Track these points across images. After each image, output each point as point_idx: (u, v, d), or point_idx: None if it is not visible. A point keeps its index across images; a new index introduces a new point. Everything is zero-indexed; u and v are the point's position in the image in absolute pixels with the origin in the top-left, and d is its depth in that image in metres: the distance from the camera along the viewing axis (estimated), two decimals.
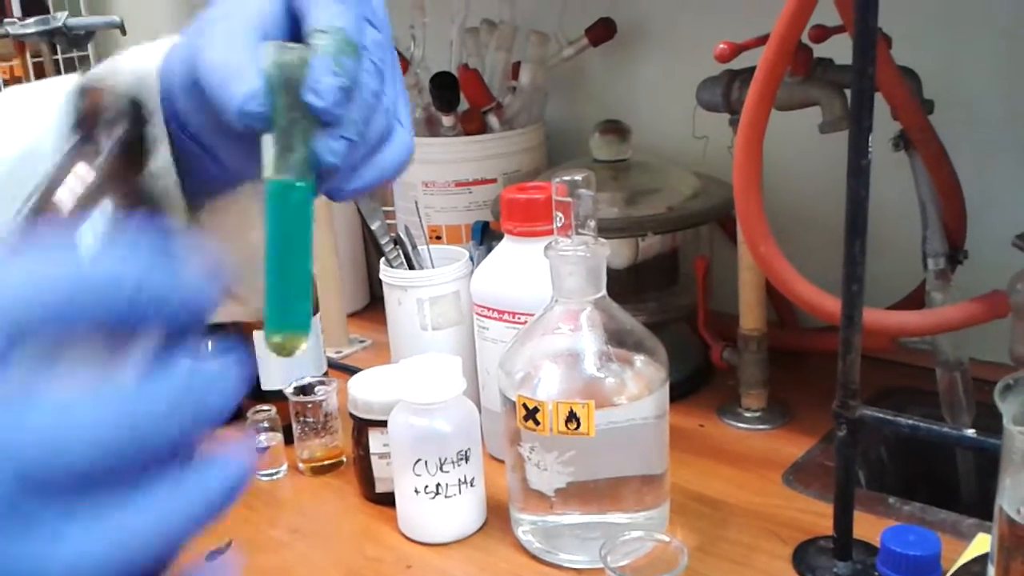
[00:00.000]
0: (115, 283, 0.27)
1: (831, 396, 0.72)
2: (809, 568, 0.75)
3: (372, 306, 1.40)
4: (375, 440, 0.87)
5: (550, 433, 0.74)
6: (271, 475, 0.95)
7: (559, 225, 0.75)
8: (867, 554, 0.76)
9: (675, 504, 0.82)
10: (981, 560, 0.53)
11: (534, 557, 0.80)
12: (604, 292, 0.77)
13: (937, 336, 0.91)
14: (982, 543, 0.61)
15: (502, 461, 0.87)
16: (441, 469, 0.80)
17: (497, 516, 0.85)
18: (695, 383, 1.07)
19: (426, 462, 0.80)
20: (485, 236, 1.20)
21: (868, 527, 0.76)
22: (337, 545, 0.85)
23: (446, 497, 0.81)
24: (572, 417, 0.73)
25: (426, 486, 0.81)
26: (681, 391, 1.03)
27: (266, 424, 0.94)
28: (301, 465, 0.96)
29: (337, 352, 1.24)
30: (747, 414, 0.99)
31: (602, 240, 0.75)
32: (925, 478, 0.91)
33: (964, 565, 0.54)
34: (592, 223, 0.75)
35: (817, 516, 0.81)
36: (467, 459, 0.81)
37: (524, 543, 0.81)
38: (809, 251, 0.96)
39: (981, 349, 0.93)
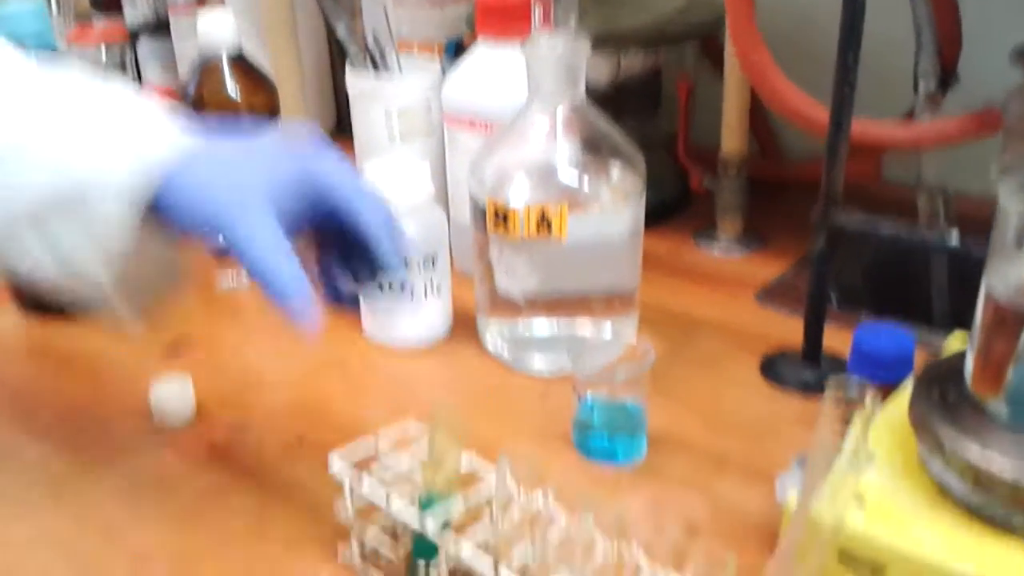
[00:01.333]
0: None
1: (808, 227, 0.69)
2: (776, 375, 0.74)
3: (339, 130, 1.35)
4: None
5: (521, 237, 0.71)
6: (233, 285, 0.92)
7: (538, 23, 0.71)
8: (836, 365, 0.75)
9: (644, 318, 0.81)
10: (958, 355, 0.51)
11: (501, 362, 0.78)
12: (582, 94, 0.73)
13: (922, 164, 0.88)
14: (957, 340, 0.60)
15: (471, 277, 0.85)
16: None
17: (464, 327, 0.83)
18: (672, 210, 1.04)
19: None
20: (459, 55, 1.14)
21: (838, 342, 0.75)
22: (298, 346, 0.83)
23: (412, 300, 0.79)
24: (543, 221, 0.70)
25: (390, 284, 0.78)
26: (657, 217, 0.99)
27: None
28: None
29: None
30: (723, 239, 0.97)
31: (584, 36, 0.71)
32: (899, 303, 0.90)
33: (942, 359, 0.53)
34: (572, 19, 0.70)
35: (787, 331, 0.80)
36: (434, 264, 0.78)
37: (492, 350, 0.79)
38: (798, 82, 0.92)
39: (964, 183, 0.91)
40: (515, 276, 0.73)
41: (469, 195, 0.76)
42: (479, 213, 0.73)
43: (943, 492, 0.48)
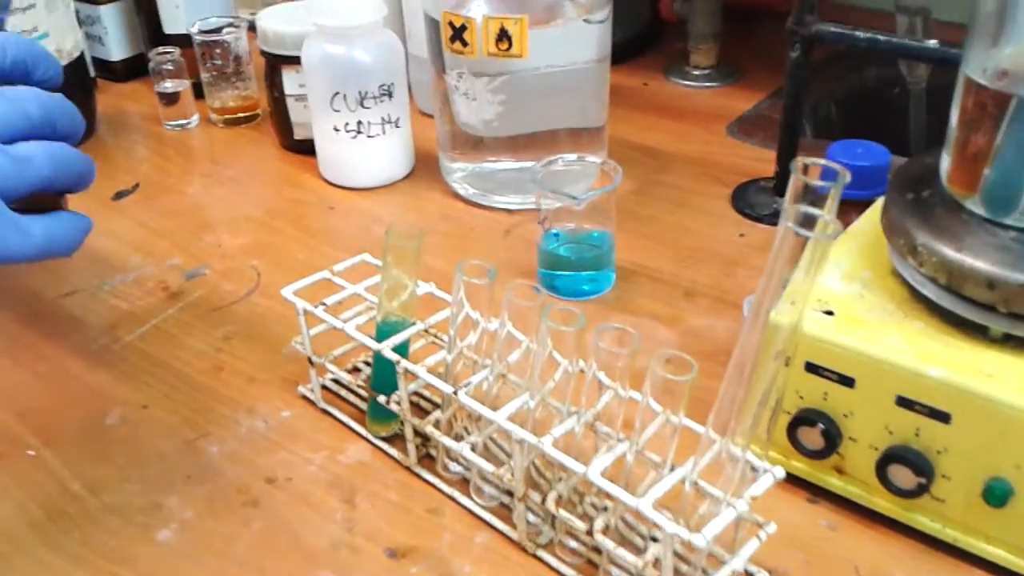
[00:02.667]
0: None
1: (783, 58, 0.66)
2: (748, 204, 0.72)
3: None
4: (289, 80, 0.79)
5: (479, 54, 0.67)
6: (181, 125, 0.88)
7: None
8: (808, 193, 0.72)
9: (613, 154, 0.77)
10: (932, 155, 0.49)
11: (465, 200, 0.75)
12: None
13: None
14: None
15: (431, 116, 0.81)
16: (362, 104, 0.74)
17: (426, 167, 0.80)
18: (642, 43, 0.99)
19: (344, 96, 0.73)
20: None
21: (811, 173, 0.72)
22: (255, 189, 0.79)
23: (368, 136, 0.75)
24: (503, 36, 0.65)
25: (346, 124, 0.74)
26: (627, 51, 0.95)
27: (170, 67, 0.86)
28: (213, 116, 0.89)
29: (252, 14, 1.13)
30: (695, 72, 0.93)
31: None
32: (874, 136, 0.87)
33: (915, 160, 0.50)
34: None
35: (759, 162, 0.77)
36: (390, 95, 0.74)
37: (455, 188, 0.76)
38: None
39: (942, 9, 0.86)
40: (476, 105, 0.69)
41: (423, 13, 0.71)
42: (434, 34, 0.69)
43: (915, 300, 0.46)
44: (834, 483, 0.47)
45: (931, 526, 0.44)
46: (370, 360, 0.56)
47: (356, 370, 0.57)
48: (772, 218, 0.70)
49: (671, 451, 0.40)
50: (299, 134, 0.82)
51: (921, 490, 0.43)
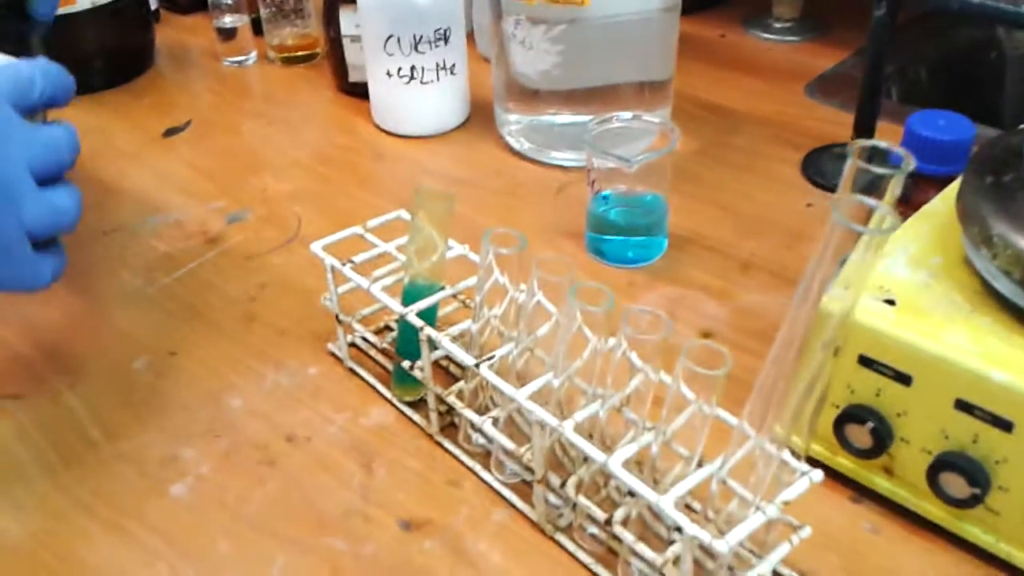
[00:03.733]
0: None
1: (870, 13, 0.60)
2: (819, 172, 0.67)
3: None
4: (346, 19, 0.77)
5: (536, 1, 0.63)
6: (239, 62, 0.87)
7: None
8: (866, 178, 0.67)
9: (680, 111, 0.73)
10: (1017, 134, 0.44)
11: (518, 154, 0.72)
12: None
13: None
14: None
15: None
16: (416, 49, 0.71)
17: (482, 115, 0.77)
18: None
19: (399, 39, 0.70)
20: None
21: (893, 138, 0.67)
22: (305, 132, 0.77)
23: (422, 83, 0.72)
24: None
25: (399, 68, 0.71)
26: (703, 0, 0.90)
27: (229, 1, 0.84)
28: (272, 54, 0.87)
29: None
30: (776, 24, 0.87)
31: None
32: (965, 104, 0.81)
33: (997, 139, 0.45)
34: None
35: (837, 126, 0.72)
36: (446, 40, 0.71)
37: (509, 142, 0.73)
38: None
39: None
40: (533, 54, 0.66)
41: None
42: None
43: (986, 294, 0.42)
44: (881, 484, 0.43)
45: (983, 539, 0.41)
46: (395, 322, 0.54)
47: (387, 329, 0.55)
48: None
49: (700, 444, 0.37)
50: (354, 77, 0.79)
51: (975, 501, 0.40)
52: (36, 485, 0.47)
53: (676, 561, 0.38)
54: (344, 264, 0.49)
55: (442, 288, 0.47)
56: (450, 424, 0.49)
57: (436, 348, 0.46)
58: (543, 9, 0.63)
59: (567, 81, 0.67)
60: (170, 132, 0.77)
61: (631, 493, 0.40)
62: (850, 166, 0.32)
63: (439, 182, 0.70)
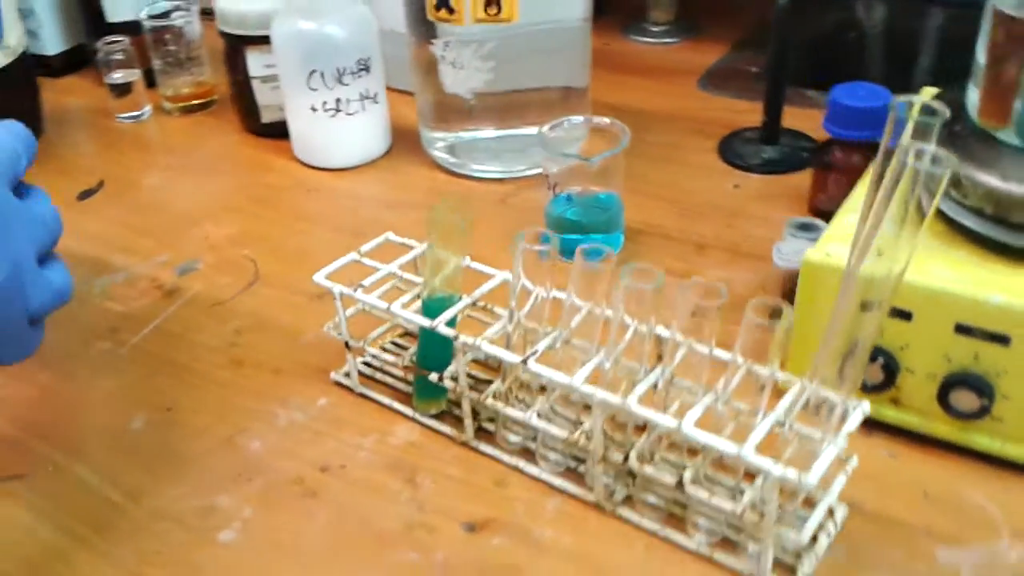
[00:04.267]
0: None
1: (744, 9, 0.66)
2: (737, 155, 0.73)
3: None
4: (255, 61, 0.76)
5: (467, 22, 0.65)
6: (134, 117, 0.84)
7: None
8: (793, 139, 0.74)
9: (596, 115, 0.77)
10: (951, 94, 0.50)
11: (449, 172, 0.74)
12: None
13: None
14: (927, 94, 0.59)
15: (403, 92, 0.80)
16: (340, 81, 0.71)
17: (403, 142, 0.78)
18: (598, 3, 0.99)
19: (322, 73, 0.71)
20: None
21: (790, 119, 0.73)
22: (227, 177, 0.76)
23: (347, 114, 0.73)
24: (492, 1, 0.64)
25: (324, 102, 0.72)
26: None
27: (120, 56, 0.82)
28: (167, 104, 0.85)
29: None
30: (654, 28, 0.93)
31: None
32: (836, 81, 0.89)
33: (937, 98, 0.51)
34: None
35: (737, 113, 0.78)
36: (368, 70, 0.73)
37: (437, 159, 0.74)
38: None
39: None
40: (465, 73, 0.68)
41: None
42: (415, 3, 0.67)
43: (953, 232, 0.47)
44: (889, 414, 0.48)
45: (991, 445, 0.46)
46: (401, 341, 0.55)
47: (395, 348, 0.56)
48: (762, 167, 0.71)
49: (764, 399, 0.40)
50: (267, 117, 0.79)
51: (983, 412, 0.45)
52: (77, 560, 0.45)
53: (752, 508, 0.41)
54: (355, 289, 0.50)
55: (460, 298, 0.49)
56: (478, 429, 0.50)
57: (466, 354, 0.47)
58: (474, 30, 0.66)
59: (497, 93, 0.70)
60: (84, 195, 0.74)
61: (691, 452, 0.43)
62: (893, 119, 0.36)
63: (380, 208, 0.71)
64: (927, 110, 0.36)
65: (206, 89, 0.86)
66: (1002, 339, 0.43)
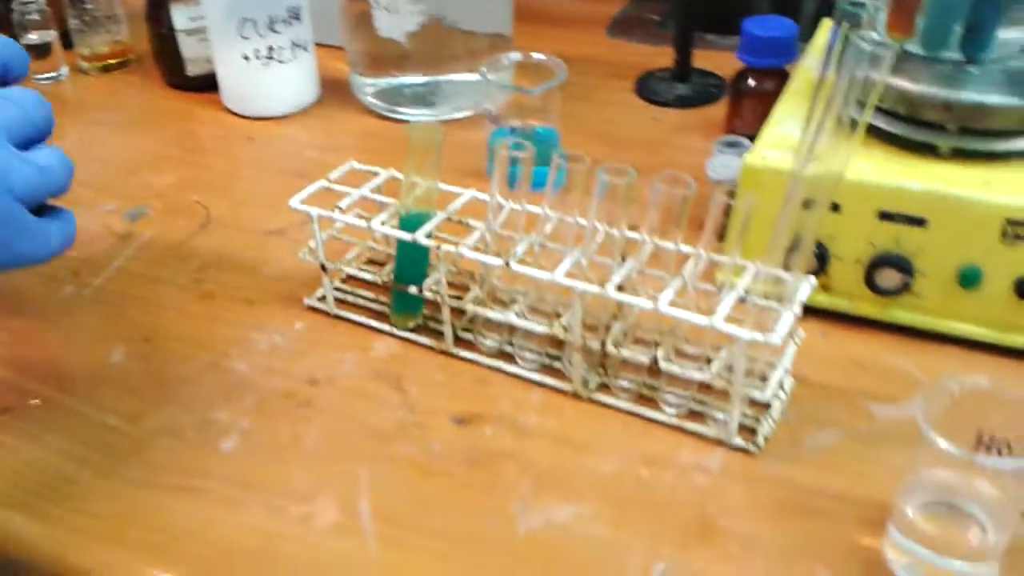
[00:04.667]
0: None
1: None
2: (653, 92, 0.78)
3: None
4: (179, 14, 0.77)
5: None
6: (52, 78, 0.83)
7: None
8: (702, 77, 0.80)
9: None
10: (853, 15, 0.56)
11: (378, 115, 0.77)
12: None
13: None
14: (826, 27, 0.65)
15: (327, 46, 0.82)
16: (272, 29, 0.73)
17: (332, 91, 0.80)
18: None
19: (254, 22, 0.72)
20: None
21: (694, 60, 0.79)
22: (160, 129, 0.77)
23: (280, 61, 0.75)
24: None
25: (256, 50, 0.74)
26: None
27: (36, 17, 0.81)
28: (84, 64, 0.85)
29: None
30: None
31: None
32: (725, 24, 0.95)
33: (841, 19, 0.57)
34: None
35: (645, 56, 0.84)
36: (298, 18, 0.74)
37: (369, 105, 0.77)
38: None
39: None
40: (398, 17, 0.71)
41: None
42: None
43: (867, 135, 0.53)
44: (821, 300, 0.54)
45: (911, 317, 0.53)
46: (368, 268, 0.58)
47: (372, 263, 0.58)
48: (677, 102, 0.77)
49: (726, 278, 0.45)
50: (192, 70, 0.80)
51: (905, 287, 0.51)
52: (82, 479, 0.46)
53: (719, 375, 0.46)
54: (334, 210, 0.53)
55: (435, 214, 0.52)
56: (456, 338, 0.54)
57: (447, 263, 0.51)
58: None
59: (428, 43, 0.73)
60: None
61: (644, 339, 0.48)
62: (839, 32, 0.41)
63: (319, 151, 0.73)
64: (878, 43, 0.41)
65: (123, 48, 0.85)
66: (919, 222, 0.50)
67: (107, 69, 0.85)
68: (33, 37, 0.81)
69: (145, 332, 0.55)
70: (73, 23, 0.82)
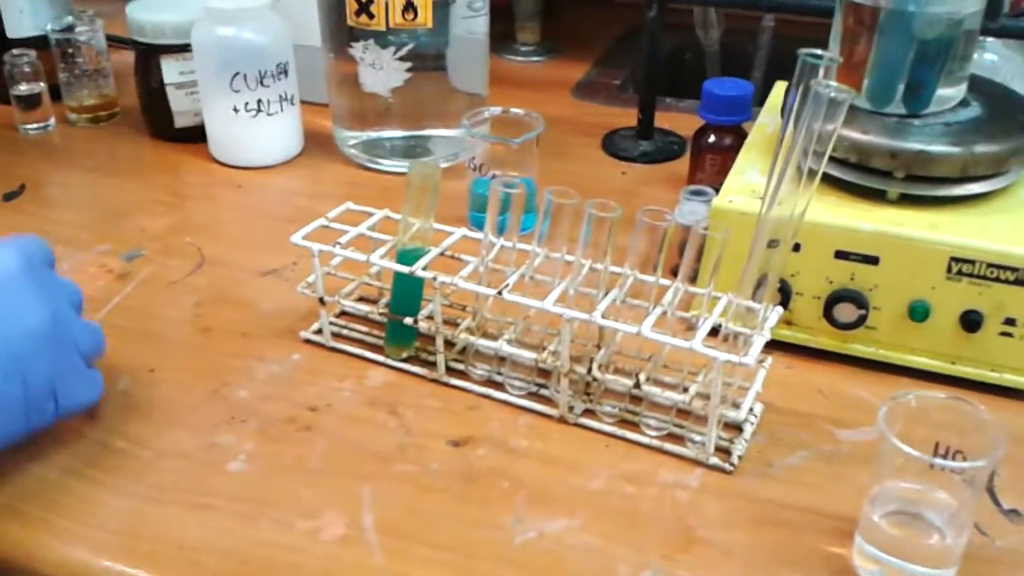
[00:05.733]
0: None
1: (596, 32, 0.77)
2: (619, 149, 0.83)
3: None
4: (169, 69, 0.81)
5: (386, 26, 0.73)
6: (41, 128, 0.86)
7: None
8: (664, 135, 0.85)
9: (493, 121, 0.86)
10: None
11: (360, 166, 0.81)
12: None
13: None
14: (780, 88, 0.71)
15: (310, 103, 0.86)
16: (261, 83, 0.77)
17: (315, 143, 0.84)
18: None
19: (245, 76, 0.76)
20: None
21: (657, 120, 0.85)
22: (150, 177, 0.80)
23: (268, 114, 0.78)
24: (409, 7, 0.72)
25: (246, 103, 0.77)
26: None
27: (27, 69, 0.83)
28: (72, 116, 0.87)
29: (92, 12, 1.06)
30: (523, 48, 1.04)
31: None
32: (683, 93, 1.01)
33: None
34: None
35: (609, 117, 0.89)
36: (286, 73, 0.78)
37: (351, 156, 0.81)
38: None
39: None
40: (383, 74, 0.75)
41: None
42: (333, 13, 0.74)
43: (821, 183, 0.58)
44: (784, 333, 0.59)
45: (866, 351, 0.57)
46: (368, 295, 0.61)
47: (364, 300, 0.61)
48: (642, 158, 0.82)
49: (703, 309, 0.50)
50: (180, 123, 0.83)
51: (861, 321, 0.56)
52: (91, 495, 0.48)
53: (698, 397, 0.50)
54: (334, 245, 0.56)
55: (430, 250, 0.56)
56: (447, 367, 0.57)
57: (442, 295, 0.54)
58: (391, 33, 0.73)
59: (409, 103, 0.77)
60: (9, 196, 0.76)
61: (627, 368, 0.52)
62: (803, 75, 0.46)
63: (307, 198, 0.77)
64: (835, 90, 0.46)
65: (110, 100, 0.88)
66: (873, 260, 0.55)
67: (95, 121, 0.88)
68: (23, 88, 0.84)
69: (149, 363, 0.58)
70: (63, 76, 0.85)
